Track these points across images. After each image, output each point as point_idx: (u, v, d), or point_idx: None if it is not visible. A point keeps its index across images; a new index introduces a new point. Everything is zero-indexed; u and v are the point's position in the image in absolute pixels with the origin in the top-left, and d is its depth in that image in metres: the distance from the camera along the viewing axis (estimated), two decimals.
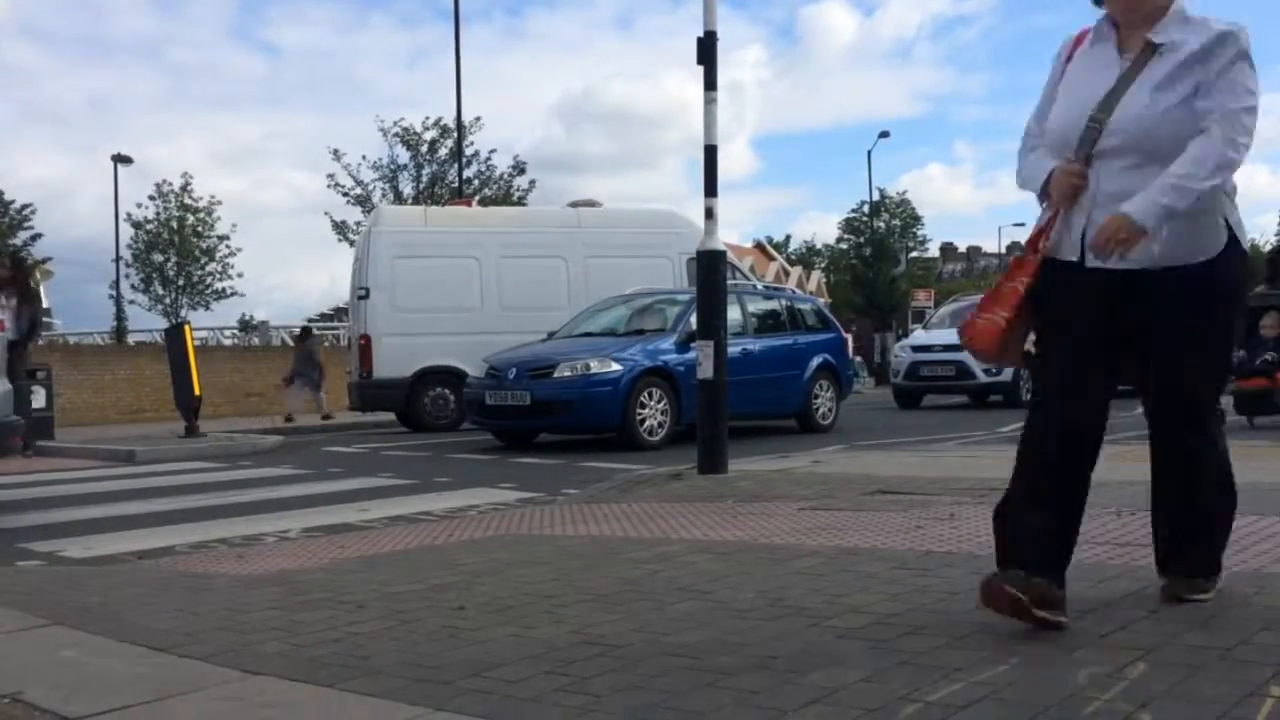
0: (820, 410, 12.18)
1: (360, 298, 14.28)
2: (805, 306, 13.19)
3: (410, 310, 13.87)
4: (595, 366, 10.32)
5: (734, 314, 11.31)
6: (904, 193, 53.06)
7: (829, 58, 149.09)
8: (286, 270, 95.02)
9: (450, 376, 13.78)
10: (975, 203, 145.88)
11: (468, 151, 26.84)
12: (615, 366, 10.31)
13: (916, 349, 17.41)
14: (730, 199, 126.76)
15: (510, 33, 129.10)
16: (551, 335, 11.91)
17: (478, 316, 14.05)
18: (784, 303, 12.87)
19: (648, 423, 10.35)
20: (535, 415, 10.53)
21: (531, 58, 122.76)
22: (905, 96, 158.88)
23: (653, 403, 10.40)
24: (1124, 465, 6.49)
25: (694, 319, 11.02)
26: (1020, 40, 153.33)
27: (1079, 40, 2.91)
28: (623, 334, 11.29)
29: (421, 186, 28.92)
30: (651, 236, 14.86)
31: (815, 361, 12.19)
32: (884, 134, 41.22)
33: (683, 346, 10.64)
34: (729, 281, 12.30)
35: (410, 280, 13.98)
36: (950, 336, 17.11)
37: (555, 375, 10.42)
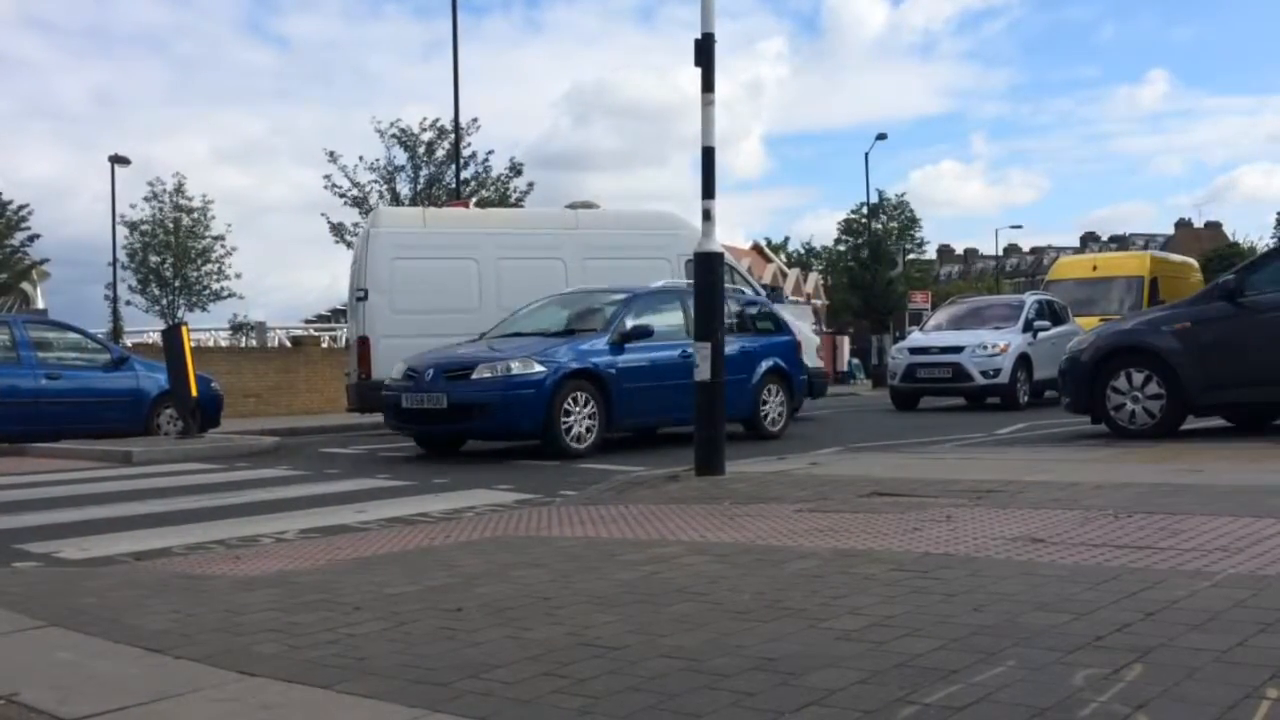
0: (769, 416, 11.68)
1: (359, 299, 14.25)
2: (754, 310, 12.70)
3: (408, 312, 13.84)
4: (516, 368, 9.77)
5: (677, 316, 10.99)
6: (903, 195, 53.21)
7: (852, 52, 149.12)
8: (288, 270, 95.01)
9: None
10: (986, 200, 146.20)
11: (465, 153, 26.87)
12: (538, 368, 9.77)
13: (913, 351, 17.43)
14: (743, 197, 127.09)
15: (528, 24, 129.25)
16: (483, 335, 11.60)
17: (476, 318, 14.01)
18: (734, 306, 11.87)
19: (574, 429, 9.80)
20: (452, 419, 9.99)
21: (548, 51, 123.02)
22: (926, 93, 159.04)
23: (578, 408, 9.84)
24: (1122, 466, 6.51)
25: (629, 319, 10.70)
26: (1048, 32, 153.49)
27: None
28: (555, 334, 10.82)
29: (419, 188, 28.94)
30: (650, 238, 14.79)
31: (764, 366, 11.67)
32: (881, 136, 41.29)
33: (616, 348, 10.30)
34: (672, 282, 11.78)
35: (408, 282, 13.95)
36: (947, 339, 17.16)
37: (473, 377, 9.88)
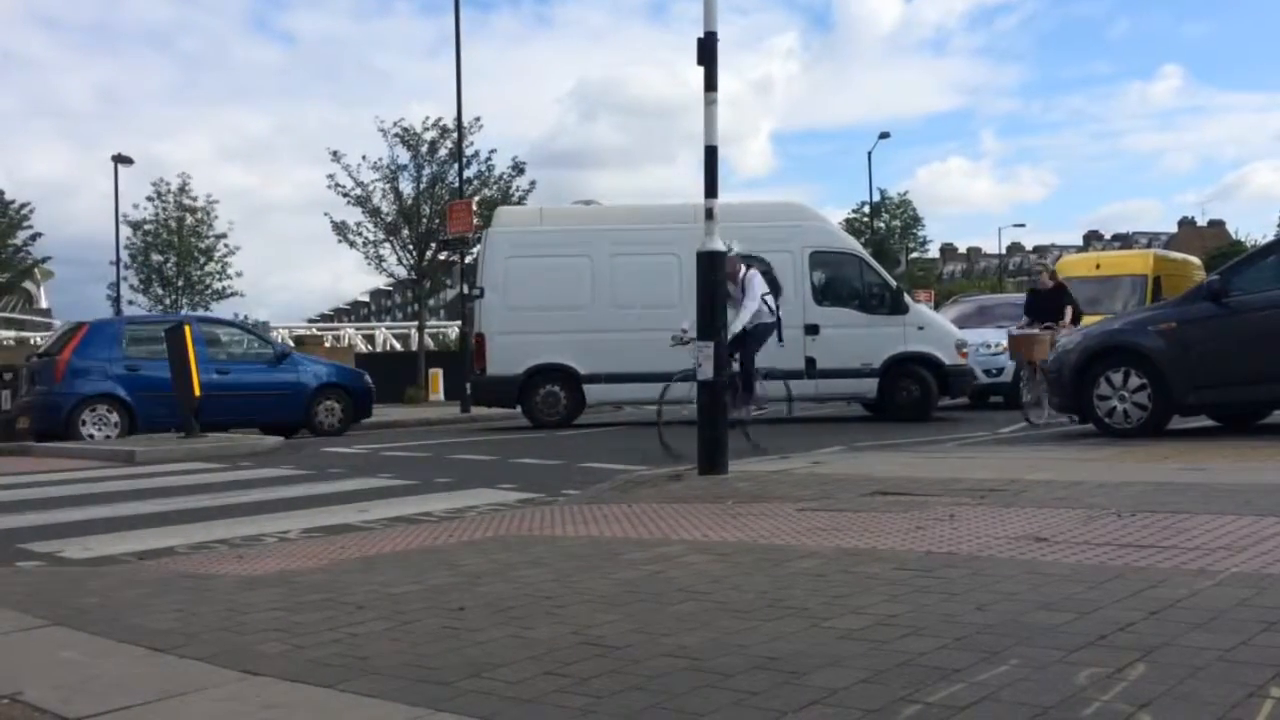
0: None
1: (476, 297, 14.74)
2: None
3: (522, 309, 14.05)
4: None
5: None
6: (905, 193, 53.19)
7: (863, 48, 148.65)
8: (291, 270, 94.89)
9: (561, 374, 14.11)
10: (995, 198, 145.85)
11: (467, 152, 26.88)
12: None
13: None
14: (750, 196, 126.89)
15: (537, 20, 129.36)
16: None
17: (588, 314, 14.04)
18: None
19: None
20: None
21: (556, 47, 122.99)
22: (937, 89, 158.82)
23: None
24: (1125, 465, 6.50)
25: None
26: (1061, 28, 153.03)
27: None
28: None
29: (422, 187, 28.95)
30: (773, 230, 14.19)
31: None
32: (884, 135, 41.30)
33: None
34: None
35: (522, 279, 14.12)
36: None
37: None
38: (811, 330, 13.97)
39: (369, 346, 40.20)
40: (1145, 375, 8.88)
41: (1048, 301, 12.04)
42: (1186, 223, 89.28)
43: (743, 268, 9.63)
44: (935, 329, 14.43)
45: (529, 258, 14.18)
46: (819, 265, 14.36)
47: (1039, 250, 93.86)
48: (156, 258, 33.23)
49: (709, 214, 7.18)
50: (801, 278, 14.06)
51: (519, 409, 14.61)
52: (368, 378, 15.85)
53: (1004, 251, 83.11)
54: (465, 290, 25.86)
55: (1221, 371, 8.62)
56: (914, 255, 53.15)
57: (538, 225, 14.92)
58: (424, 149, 28.82)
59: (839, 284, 14.49)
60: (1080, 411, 9.47)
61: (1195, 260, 25.59)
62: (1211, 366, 8.64)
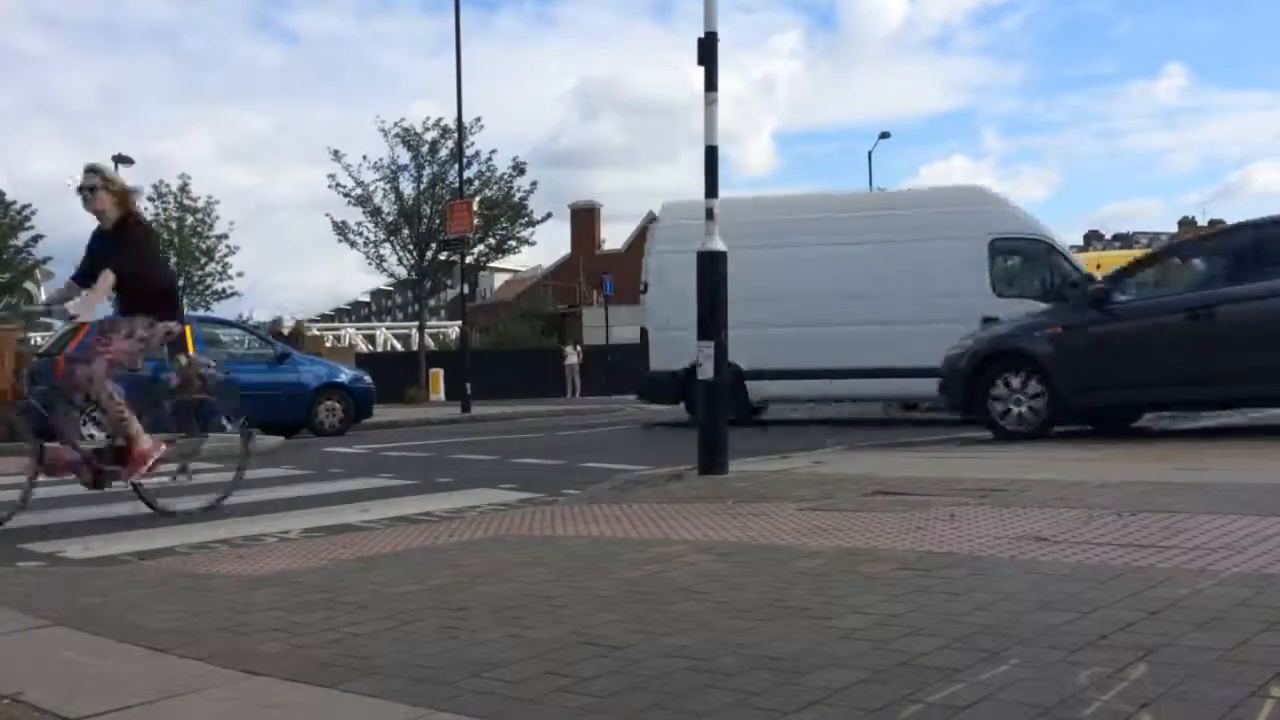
0: None
1: (641, 292, 14.76)
2: None
3: (684, 304, 13.90)
4: None
5: None
6: None
7: (867, 47, 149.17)
8: (293, 269, 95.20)
9: None
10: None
11: (468, 152, 26.91)
12: None
13: None
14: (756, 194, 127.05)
15: (540, 19, 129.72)
16: None
17: (751, 309, 13.13)
18: None
19: None
20: None
21: (560, 46, 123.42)
22: (941, 88, 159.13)
23: None
24: (1125, 465, 6.51)
25: None
26: (1065, 26, 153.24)
27: None
28: None
29: (422, 187, 28.98)
30: (953, 216, 13.62)
31: None
32: (884, 135, 41.30)
33: None
34: None
35: (682, 274, 13.94)
36: None
37: None
38: (990, 323, 13.69)
39: (369, 346, 40.23)
40: (1034, 378, 9.15)
41: (114, 252, 6.42)
42: (1186, 223, 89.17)
43: None
44: None
45: (689, 252, 14.11)
46: (1000, 253, 13.60)
47: None
48: None
49: (709, 214, 7.21)
50: (980, 267, 13.36)
51: (682, 405, 14.16)
52: (368, 378, 15.89)
53: None
54: (465, 290, 25.89)
55: (1103, 375, 8.85)
56: None
57: (701, 218, 14.88)
58: (425, 149, 28.87)
59: (1022, 273, 13.79)
60: (973, 414, 9.72)
61: None
62: (1094, 370, 8.87)
